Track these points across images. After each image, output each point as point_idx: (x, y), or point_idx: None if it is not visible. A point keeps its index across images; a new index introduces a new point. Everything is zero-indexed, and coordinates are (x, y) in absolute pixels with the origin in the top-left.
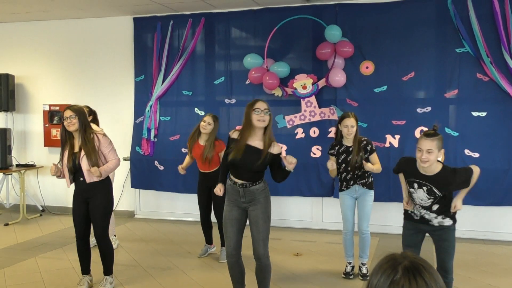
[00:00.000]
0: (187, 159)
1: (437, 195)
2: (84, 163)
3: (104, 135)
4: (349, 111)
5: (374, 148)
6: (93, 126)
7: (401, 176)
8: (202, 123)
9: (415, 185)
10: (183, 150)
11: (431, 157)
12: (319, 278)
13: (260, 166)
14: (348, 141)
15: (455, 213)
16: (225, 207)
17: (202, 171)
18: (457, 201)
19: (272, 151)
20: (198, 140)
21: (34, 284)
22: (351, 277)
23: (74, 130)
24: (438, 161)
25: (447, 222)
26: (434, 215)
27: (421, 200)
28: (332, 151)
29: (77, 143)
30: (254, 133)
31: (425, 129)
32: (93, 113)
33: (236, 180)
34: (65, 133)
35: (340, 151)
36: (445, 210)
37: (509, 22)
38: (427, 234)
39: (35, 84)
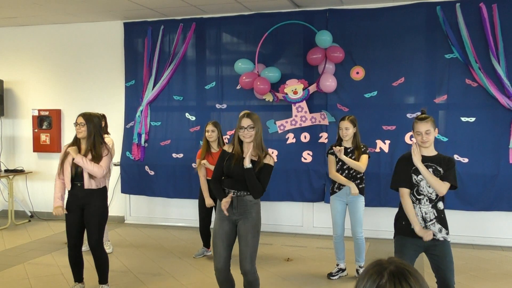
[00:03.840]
0: (203, 183)
1: (441, 176)
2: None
3: (109, 150)
4: (347, 115)
5: (367, 151)
6: (105, 137)
7: (405, 193)
8: (206, 133)
9: None
10: (174, 155)
11: (430, 138)
12: (310, 283)
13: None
14: (346, 143)
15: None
16: (216, 221)
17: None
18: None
19: (264, 161)
20: (211, 150)
21: None
22: (332, 277)
23: (83, 137)
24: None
25: (449, 238)
26: (438, 226)
27: (429, 186)
28: (332, 151)
29: (83, 149)
30: (245, 145)
31: None
32: (104, 118)
33: (230, 190)
34: (75, 138)
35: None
36: (445, 225)
37: (497, 28)
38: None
39: (24, 89)
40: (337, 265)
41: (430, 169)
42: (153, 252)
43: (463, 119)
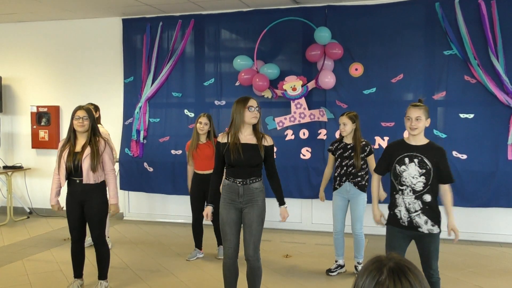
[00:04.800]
0: (190, 172)
1: (428, 167)
2: (85, 164)
3: (107, 142)
4: (347, 111)
5: (372, 150)
6: (100, 128)
7: (376, 176)
8: (198, 125)
9: (406, 160)
10: (173, 151)
11: (419, 124)
12: (309, 280)
13: (259, 160)
14: (347, 139)
15: (440, 219)
16: (222, 209)
17: (199, 172)
18: (451, 223)
19: (265, 144)
20: (199, 142)
21: (21, 287)
22: (331, 273)
23: (83, 131)
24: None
25: (436, 229)
26: (424, 218)
27: (413, 177)
28: (330, 147)
29: (79, 143)
30: (244, 129)
31: None
32: (98, 109)
33: (235, 178)
34: (71, 132)
35: (339, 147)
36: (434, 216)
37: (496, 25)
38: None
39: (23, 85)
40: (336, 261)
41: (416, 160)
42: (152, 248)
43: (461, 115)
